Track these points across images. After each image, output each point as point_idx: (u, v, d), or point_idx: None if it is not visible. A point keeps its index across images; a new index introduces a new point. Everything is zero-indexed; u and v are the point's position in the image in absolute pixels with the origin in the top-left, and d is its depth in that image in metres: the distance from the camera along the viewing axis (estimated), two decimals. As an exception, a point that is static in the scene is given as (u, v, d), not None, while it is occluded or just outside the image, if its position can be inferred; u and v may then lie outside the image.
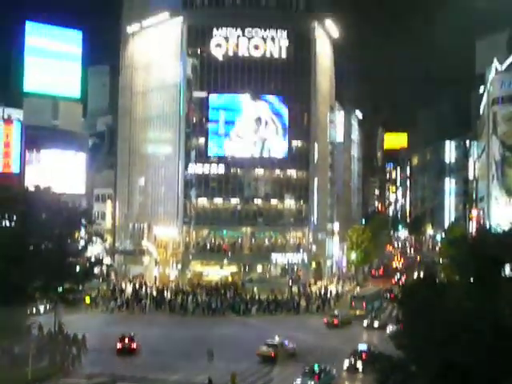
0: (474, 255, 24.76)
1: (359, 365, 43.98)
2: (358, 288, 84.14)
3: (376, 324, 61.19)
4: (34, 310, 53.91)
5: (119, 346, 47.95)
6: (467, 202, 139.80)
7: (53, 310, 51.67)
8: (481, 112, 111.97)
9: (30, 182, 61.78)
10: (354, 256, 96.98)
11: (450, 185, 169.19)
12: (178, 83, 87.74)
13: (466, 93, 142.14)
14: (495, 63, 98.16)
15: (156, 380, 41.92)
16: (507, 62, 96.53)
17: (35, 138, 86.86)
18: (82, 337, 49.56)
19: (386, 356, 25.57)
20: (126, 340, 47.93)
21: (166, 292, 75.20)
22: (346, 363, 44.78)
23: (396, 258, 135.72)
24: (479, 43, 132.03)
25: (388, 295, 76.17)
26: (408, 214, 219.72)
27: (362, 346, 46.58)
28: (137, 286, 78.99)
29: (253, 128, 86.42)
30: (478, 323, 19.61)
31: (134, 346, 47.73)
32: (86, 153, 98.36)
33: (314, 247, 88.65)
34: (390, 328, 52.80)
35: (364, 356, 43.68)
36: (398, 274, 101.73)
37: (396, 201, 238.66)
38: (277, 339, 48.29)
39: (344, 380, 43.41)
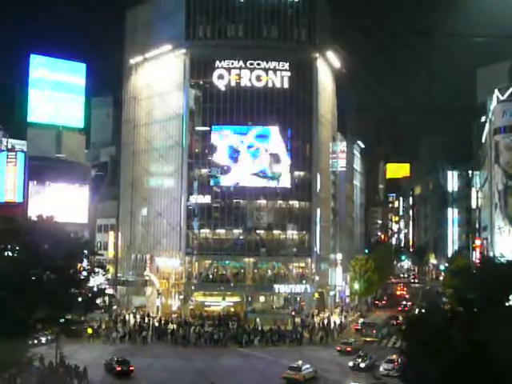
0: (477, 286, 24.66)
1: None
2: (362, 319, 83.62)
3: (362, 364, 55.75)
4: (36, 341, 53.53)
5: (118, 368, 51.96)
6: (470, 231, 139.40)
7: (54, 340, 51.43)
8: (483, 141, 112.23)
9: (33, 212, 61.73)
10: (357, 286, 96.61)
11: (452, 214, 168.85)
12: (181, 114, 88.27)
13: (467, 122, 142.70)
14: (496, 93, 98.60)
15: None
16: (509, 92, 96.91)
17: (39, 168, 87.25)
18: (84, 368, 49.34)
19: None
20: (123, 363, 52.56)
21: (168, 323, 74.88)
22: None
23: (400, 287, 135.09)
24: (480, 72, 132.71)
25: (395, 322, 75.94)
26: (411, 244, 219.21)
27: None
28: (138, 317, 78.74)
29: (255, 159, 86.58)
30: (483, 355, 19.48)
31: (131, 368, 52.36)
32: (88, 183, 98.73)
33: (316, 277, 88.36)
34: (383, 367, 52.45)
35: None
36: (404, 301, 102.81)
37: (399, 230, 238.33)
38: (300, 363, 52.04)
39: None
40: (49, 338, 56.20)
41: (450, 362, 19.66)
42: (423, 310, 31.25)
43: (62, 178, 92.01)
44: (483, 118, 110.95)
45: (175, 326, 73.92)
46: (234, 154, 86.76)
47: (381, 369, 53.12)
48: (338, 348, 64.54)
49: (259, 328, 72.97)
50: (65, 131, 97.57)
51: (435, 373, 20.72)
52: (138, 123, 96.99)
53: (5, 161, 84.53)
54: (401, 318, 73.86)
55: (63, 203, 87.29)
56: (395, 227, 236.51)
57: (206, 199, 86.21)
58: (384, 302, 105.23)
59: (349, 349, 63.60)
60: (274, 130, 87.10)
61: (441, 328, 23.55)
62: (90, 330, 66.79)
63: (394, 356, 52.86)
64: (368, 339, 69.88)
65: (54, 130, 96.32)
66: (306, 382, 51.03)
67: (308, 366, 52.44)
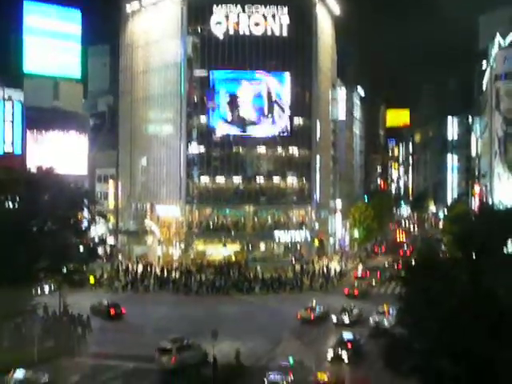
0: (476, 232, 24.74)
1: (344, 355, 41.25)
2: (361, 265, 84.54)
3: (347, 319, 52.72)
4: (39, 290, 54.08)
5: (112, 311, 54.07)
6: (470, 178, 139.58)
7: (57, 290, 51.97)
8: (484, 88, 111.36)
9: (32, 164, 61.48)
10: (356, 233, 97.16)
11: (452, 161, 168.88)
12: (179, 62, 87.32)
13: (468, 68, 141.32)
14: (498, 38, 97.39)
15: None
16: (511, 38, 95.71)
17: (36, 119, 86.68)
18: (87, 317, 49.99)
19: (390, 333, 25.63)
20: (115, 306, 55.21)
21: (169, 272, 75.52)
22: (330, 353, 41.77)
23: (399, 234, 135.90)
24: (483, 18, 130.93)
25: (396, 266, 76.90)
26: (411, 191, 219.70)
27: (348, 335, 43.72)
28: (140, 265, 79.34)
29: (255, 105, 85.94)
30: (480, 301, 19.62)
31: (123, 311, 54.77)
32: (87, 133, 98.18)
33: (316, 225, 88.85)
34: (373, 319, 50.73)
35: (350, 345, 41.77)
36: (405, 245, 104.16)
37: (398, 178, 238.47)
38: (314, 303, 55.19)
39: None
40: (52, 287, 56.66)
41: (448, 308, 19.81)
42: (423, 256, 31.35)
43: (60, 128, 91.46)
44: (484, 65, 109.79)
45: (177, 274, 74.16)
46: (233, 102, 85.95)
47: (370, 321, 50.89)
48: (346, 292, 66.57)
49: (260, 276, 73.53)
50: (62, 81, 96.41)
51: (433, 319, 20.87)
52: (136, 72, 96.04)
53: (2, 112, 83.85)
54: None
55: (62, 154, 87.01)
56: (395, 175, 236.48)
57: (206, 147, 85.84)
58: (383, 249, 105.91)
59: (356, 292, 66.12)
60: (274, 77, 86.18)
61: (441, 273, 23.68)
62: (92, 280, 67.43)
63: (385, 307, 51.41)
64: (373, 283, 72.70)
65: (50, 80, 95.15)
66: (320, 320, 53.57)
67: (321, 305, 55.38)
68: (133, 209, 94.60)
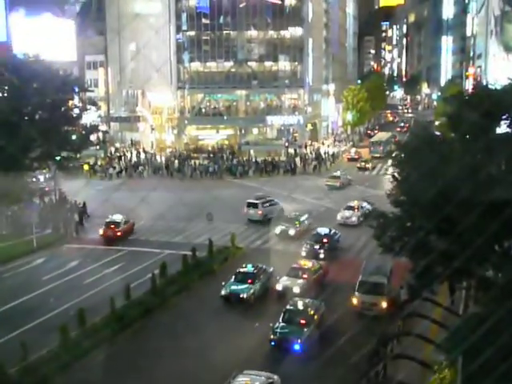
0: (469, 110, 24.55)
1: (321, 253, 38.58)
2: (354, 149, 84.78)
3: (292, 231, 44.32)
4: (34, 179, 54.27)
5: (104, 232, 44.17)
6: (464, 59, 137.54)
7: (52, 179, 52.21)
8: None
9: (19, 50, 59.88)
10: (349, 116, 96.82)
11: (447, 42, 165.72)
12: None
13: None
14: None
15: (158, 241, 42.83)
16: None
17: (20, 3, 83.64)
18: (83, 203, 50.45)
19: (383, 213, 25.85)
20: (112, 226, 44.11)
21: (163, 157, 75.70)
22: (304, 249, 39.27)
23: (392, 116, 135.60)
24: None
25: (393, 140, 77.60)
26: (404, 74, 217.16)
27: (323, 230, 41.02)
28: (133, 152, 79.37)
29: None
30: (472, 176, 19.76)
31: (120, 233, 44.06)
32: (74, 19, 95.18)
33: (309, 109, 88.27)
34: (340, 215, 47.30)
35: (326, 240, 39.46)
36: (402, 123, 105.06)
37: (392, 60, 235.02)
38: (339, 172, 63.71)
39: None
40: (47, 176, 56.83)
41: (443, 182, 19.88)
42: (416, 134, 31.37)
43: (47, 11, 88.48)
44: None
45: (170, 160, 74.88)
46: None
47: (338, 217, 47.34)
48: (358, 165, 73.43)
49: (253, 159, 73.96)
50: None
51: (425, 196, 21.02)
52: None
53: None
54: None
55: (49, 40, 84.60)
56: (388, 57, 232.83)
57: (197, 31, 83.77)
58: (376, 132, 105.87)
59: (367, 165, 73.04)
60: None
61: (434, 150, 23.74)
62: (86, 167, 67.68)
63: (356, 202, 49.00)
64: (376, 155, 78.34)
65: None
66: (344, 186, 61.25)
67: (345, 173, 64.18)
68: (124, 95, 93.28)
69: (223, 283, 32.93)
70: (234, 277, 33.11)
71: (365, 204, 48.47)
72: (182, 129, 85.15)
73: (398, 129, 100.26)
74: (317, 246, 39.19)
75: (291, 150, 79.17)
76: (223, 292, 32.26)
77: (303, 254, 38.84)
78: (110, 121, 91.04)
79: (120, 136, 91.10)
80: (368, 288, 30.20)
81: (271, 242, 43.16)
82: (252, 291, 32.14)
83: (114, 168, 71.28)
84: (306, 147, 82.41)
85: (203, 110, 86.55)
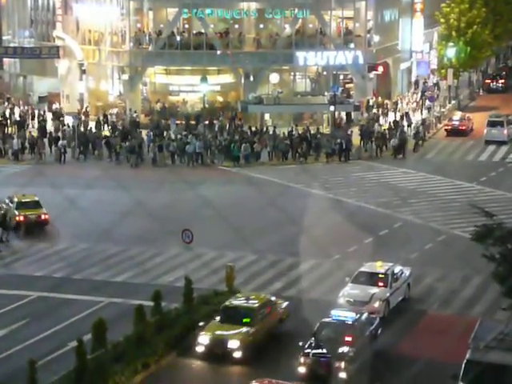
0: None
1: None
2: (459, 113, 58.72)
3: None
4: None
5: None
6: None
7: None
8: None
9: None
10: (451, 52, 60.79)
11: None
12: None
13: None
14: None
15: (93, 281, 29.24)
16: None
17: None
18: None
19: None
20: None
21: (104, 124, 53.12)
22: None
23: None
24: None
25: None
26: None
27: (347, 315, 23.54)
28: (48, 114, 56.41)
29: None
30: None
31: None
32: None
33: (375, 37, 56.12)
34: None
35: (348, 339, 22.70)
36: None
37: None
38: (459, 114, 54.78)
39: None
40: None
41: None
42: None
43: None
44: None
45: (117, 129, 51.28)
46: None
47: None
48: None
49: (270, 131, 51.62)
50: None
51: None
52: None
53: None
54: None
55: None
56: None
57: None
58: (502, 82, 69.76)
59: None
60: None
61: None
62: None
63: None
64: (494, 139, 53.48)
65: None
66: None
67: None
68: (28, 9, 63.70)
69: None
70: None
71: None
72: (139, 72, 56.34)
73: None
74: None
75: (343, 114, 54.21)
76: None
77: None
78: (2, 55, 64.13)
79: (22, 84, 65.53)
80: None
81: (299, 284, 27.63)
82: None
83: (12, 146, 48.59)
84: (367, 109, 54.86)
85: (178, 38, 56.14)
